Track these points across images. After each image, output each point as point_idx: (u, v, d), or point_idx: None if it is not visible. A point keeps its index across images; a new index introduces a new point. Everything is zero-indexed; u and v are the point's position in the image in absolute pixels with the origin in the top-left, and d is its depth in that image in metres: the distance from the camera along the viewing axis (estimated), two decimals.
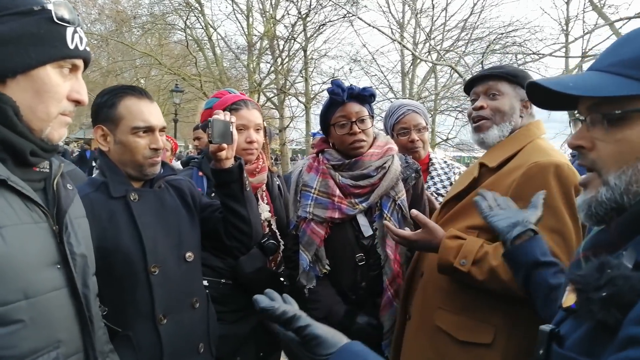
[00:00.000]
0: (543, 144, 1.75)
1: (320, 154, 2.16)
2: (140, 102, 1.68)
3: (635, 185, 0.78)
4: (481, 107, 1.81)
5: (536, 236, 1.36)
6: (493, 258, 1.52)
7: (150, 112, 1.69)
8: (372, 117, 2.09)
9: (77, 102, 1.17)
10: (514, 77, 1.79)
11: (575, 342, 0.77)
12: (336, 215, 2.01)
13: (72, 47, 1.11)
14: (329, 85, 2.03)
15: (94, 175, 1.87)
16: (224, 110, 2.08)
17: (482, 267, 1.54)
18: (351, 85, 2.04)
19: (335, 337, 0.86)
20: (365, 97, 2.04)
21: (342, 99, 2.00)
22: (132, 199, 1.65)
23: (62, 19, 1.09)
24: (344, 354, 0.83)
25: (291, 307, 0.89)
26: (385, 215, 2.00)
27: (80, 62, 1.17)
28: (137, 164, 1.67)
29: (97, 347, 1.26)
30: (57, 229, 1.19)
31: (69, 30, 1.11)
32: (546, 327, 0.85)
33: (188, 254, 1.75)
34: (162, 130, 1.72)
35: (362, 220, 2.05)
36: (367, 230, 2.04)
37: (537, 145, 1.73)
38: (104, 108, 1.65)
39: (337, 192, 2.03)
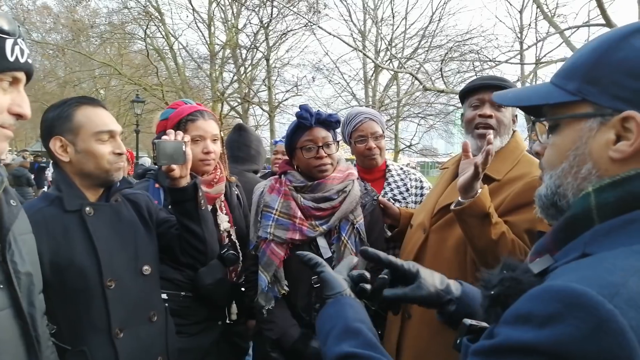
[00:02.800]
0: (531, 157, 1.94)
1: (282, 176, 2.17)
2: (96, 109, 1.66)
3: (562, 187, 0.82)
4: (490, 116, 1.91)
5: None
6: (505, 227, 1.70)
7: (110, 119, 1.68)
8: (337, 142, 2.15)
9: (19, 116, 1.12)
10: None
11: (483, 337, 0.80)
12: (297, 236, 2.03)
13: (12, 59, 1.06)
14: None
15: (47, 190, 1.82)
16: (179, 121, 2.08)
17: (497, 229, 1.68)
18: (318, 111, 2.10)
19: (342, 285, 1.07)
20: (331, 123, 2.09)
21: (310, 123, 2.04)
22: (87, 212, 1.63)
23: (0, 31, 1.05)
24: (341, 300, 1.03)
25: (318, 257, 1.13)
26: (342, 239, 2.04)
27: (21, 75, 1.11)
28: (103, 170, 1.64)
29: None
30: (0, 248, 1.15)
31: (9, 42, 1.06)
32: (467, 321, 0.93)
33: (145, 268, 1.73)
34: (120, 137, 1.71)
35: (322, 242, 2.07)
36: (326, 252, 2.06)
37: (530, 158, 1.92)
38: (59, 119, 1.61)
39: (299, 213, 2.05)
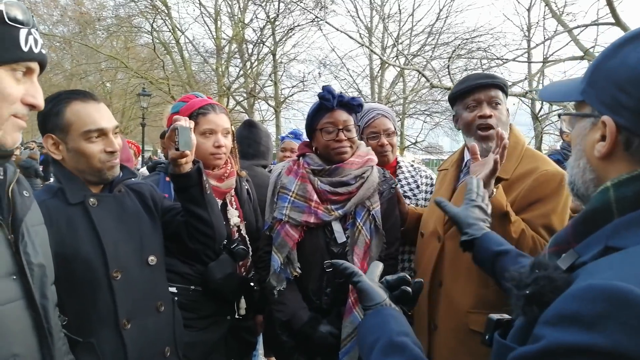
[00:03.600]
0: (533, 149, 1.95)
1: (301, 158, 2.15)
2: (87, 105, 1.61)
3: (572, 177, 0.89)
4: (490, 116, 1.89)
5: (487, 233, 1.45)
6: (523, 224, 1.69)
7: (100, 115, 1.62)
8: (358, 126, 2.12)
9: (32, 107, 1.11)
10: (507, 87, 1.94)
11: (514, 332, 0.85)
12: (312, 219, 2.02)
13: (26, 49, 1.05)
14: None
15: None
16: (190, 114, 2.07)
17: (516, 226, 1.67)
18: (341, 93, 2.06)
19: (381, 295, 1.04)
20: (353, 106, 2.06)
21: (332, 105, 2.02)
22: (91, 204, 1.61)
23: (14, 20, 1.03)
24: (382, 311, 1.01)
25: (353, 266, 1.11)
26: (357, 224, 2.02)
27: (35, 65, 1.10)
28: (95, 170, 1.62)
29: (57, 359, 1.23)
30: (13, 239, 1.14)
31: (23, 32, 1.05)
32: (494, 316, 0.97)
33: (151, 258, 1.72)
34: (115, 131, 1.67)
35: (337, 227, 2.06)
36: (340, 237, 2.05)
37: (532, 152, 1.92)
38: (50, 117, 1.58)
39: (315, 197, 2.03)
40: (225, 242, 2.10)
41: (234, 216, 2.19)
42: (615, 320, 0.61)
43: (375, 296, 1.03)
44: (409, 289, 1.08)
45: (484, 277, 1.73)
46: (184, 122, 1.73)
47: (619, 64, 0.79)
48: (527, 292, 0.76)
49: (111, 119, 1.66)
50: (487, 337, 0.96)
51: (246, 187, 2.39)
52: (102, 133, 1.61)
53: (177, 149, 1.67)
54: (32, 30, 1.08)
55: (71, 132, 1.58)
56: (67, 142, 1.59)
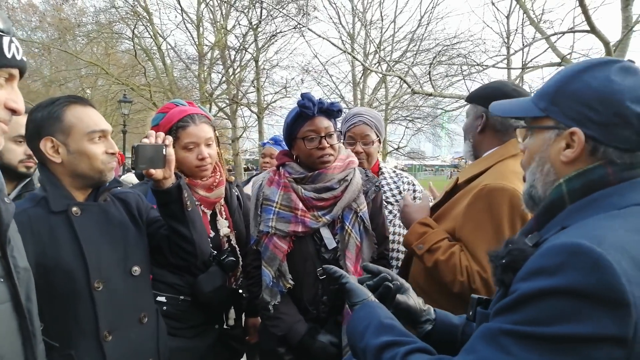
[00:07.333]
0: (510, 164, 1.80)
1: (280, 168, 2.12)
2: (86, 109, 1.64)
3: (535, 181, 1.06)
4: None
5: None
6: (442, 253, 1.75)
7: (100, 118, 1.66)
8: (339, 132, 2.11)
9: (14, 111, 1.12)
10: (470, 99, 2.02)
11: (493, 304, 1.03)
12: (300, 228, 1.99)
13: (9, 56, 1.08)
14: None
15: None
16: (170, 129, 2.04)
17: (431, 257, 1.76)
18: (320, 99, 2.03)
19: (366, 293, 1.20)
20: (333, 112, 2.04)
21: (312, 112, 1.98)
22: (74, 212, 1.59)
23: None
24: (369, 304, 1.16)
25: (342, 270, 1.27)
26: (346, 228, 2.01)
27: (16, 72, 1.13)
28: (97, 171, 1.62)
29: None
30: (0, 243, 1.15)
31: (5, 40, 1.07)
32: (475, 296, 1.16)
33: (134, 268, 1.70)
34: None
35: (326, 233, 2.04)
36: (330, 243, 2.02)
37: (501, 166, 1.81)
38: (49, 120, 1.58)
39: (300, 205, 2.01)
40: (215, 253, 2.09)
41: (223, 226, 2.16)
42: (571, 265, 0.80)
43: (361, 293, 1.19)
44: (391, 284, 1.23)
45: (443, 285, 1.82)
46: (152, 138, 1.69)
47: (584, 86, 0.97)
48: (503, 261, 0.95)
49: (108, 124, 1.69)
50: (470, 313, 1.13)
51: (236, 193, 2.36)
52: (103, 135, 1.64)
53: (133, 168, 1.66)
54: (13, 38, 1.11)
55: (73, 133, 1.58)
56: (68, 145, 1.59)
